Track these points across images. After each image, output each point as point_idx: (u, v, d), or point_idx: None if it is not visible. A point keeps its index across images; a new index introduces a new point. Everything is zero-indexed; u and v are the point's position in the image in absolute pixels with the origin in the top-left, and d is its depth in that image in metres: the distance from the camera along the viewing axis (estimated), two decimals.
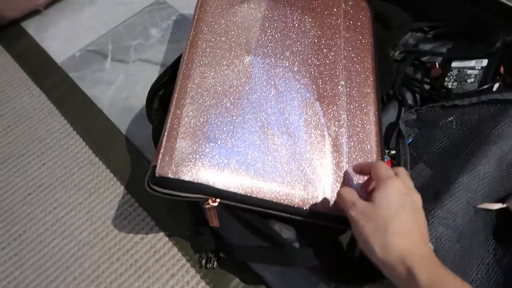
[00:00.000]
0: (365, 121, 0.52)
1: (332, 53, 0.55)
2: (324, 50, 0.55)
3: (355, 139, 0.50)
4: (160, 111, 0.54)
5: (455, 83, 0.59)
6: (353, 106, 0.52)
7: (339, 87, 0.53)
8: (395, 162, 0.53)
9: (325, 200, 0.44)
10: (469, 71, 0.59)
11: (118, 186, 0.58)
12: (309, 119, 0.49)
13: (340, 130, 0.50)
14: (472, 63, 0.60)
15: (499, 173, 0.47)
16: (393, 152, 0.55)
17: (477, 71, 0.58)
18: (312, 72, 0.53)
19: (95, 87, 0.69)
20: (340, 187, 0.42)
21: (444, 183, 0.46)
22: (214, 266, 0.51)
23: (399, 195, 0.37)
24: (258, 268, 0.52)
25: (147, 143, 0.61)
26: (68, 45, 0.74)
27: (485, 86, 0.55)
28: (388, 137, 0.57)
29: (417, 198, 0.38)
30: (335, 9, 0.60)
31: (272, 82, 0.50)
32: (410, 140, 0.56)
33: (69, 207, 0.56)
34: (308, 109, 0.49)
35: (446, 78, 0.60)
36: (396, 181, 0.38)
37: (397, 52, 0.65)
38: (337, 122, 0.50)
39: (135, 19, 0.77)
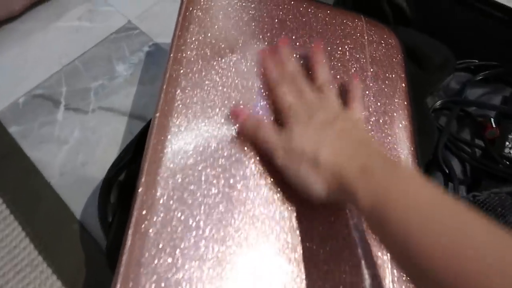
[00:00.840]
0: None
1: None
2: None
3: None
4: (119, 210, 0.38)
5: None
6: None
7: None
8: None
9: None
10: None
11: None
12: (329, 222, 0.34)
13: None
14: None
15: None
16: None
17: None
18: None
19: (41, 148, 0.52)
20: (260, 124, 0.34)
21: None
22: None
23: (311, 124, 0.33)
24: None
25: None
26: (10, 88, 0.57)
27: None
28: None
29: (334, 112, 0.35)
30: (359, 53, 0.44)
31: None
32: None
33: None
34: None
35: (507, 143, 0.45)
36: (297, 116, 0.34)
37: (438, 102, 0.50)
38: None
39: (96, 51, 0.60)
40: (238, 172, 0.33)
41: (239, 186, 0.33)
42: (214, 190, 0.31)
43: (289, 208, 0.33)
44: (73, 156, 0.52)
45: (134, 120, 0.54)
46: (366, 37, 0.45)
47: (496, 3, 0.47)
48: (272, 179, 0.34)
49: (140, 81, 0.58)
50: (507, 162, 0.44)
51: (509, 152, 0.45)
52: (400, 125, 0.42)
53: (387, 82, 0.44)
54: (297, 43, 0.42)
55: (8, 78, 0.58)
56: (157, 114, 0.35)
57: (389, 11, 0.56)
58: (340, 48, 0.43)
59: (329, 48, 0.43)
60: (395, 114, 0.43)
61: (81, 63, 0.59)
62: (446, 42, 0.50)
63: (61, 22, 0.63)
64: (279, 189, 0.33)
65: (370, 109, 0.41)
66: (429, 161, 0.47)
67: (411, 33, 0.53)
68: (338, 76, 0.41)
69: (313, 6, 0.45)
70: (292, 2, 0.44)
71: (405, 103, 0.44)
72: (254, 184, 0.33)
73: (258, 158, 0.34)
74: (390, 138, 0.41)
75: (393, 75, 0.45)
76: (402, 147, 0.41)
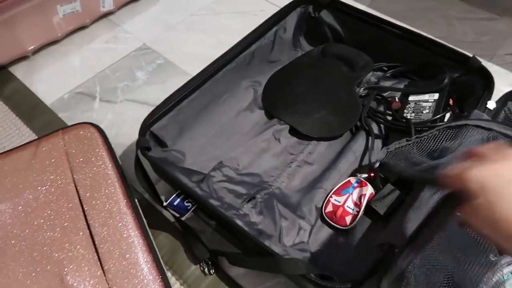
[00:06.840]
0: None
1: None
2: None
3: None
4: None
5: (413, 114, 0.68)
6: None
7: None
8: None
9: None
10: (424, 104, 0.68)
11: None
12: None
13: None
14: (426, 96, 0.69)
15: None
16: (364, 175, 0.62)
17: (431, 103, 0.67)
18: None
19: None
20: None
21: None
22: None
23: None
24: None
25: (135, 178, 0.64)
26: (57, 88, 0.78)
27: (438, 116, 0.64)
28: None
29: None
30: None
31: None
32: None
33: None
34: None
35: (405, 110, 0.69)
36: None
37: (362, 89, 0.74)
38: None
39: (121, 63, 0.82)
40: None
41: None
42: None
43: None
44: (108, 131, 0.72)
45: (150, 107, 0.75)
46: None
47: (392, 23, 0.73)
48: None
49: (154, 82, 0.80)
50: (404, 120, 0.67)
51: (406, 115, 0.68)
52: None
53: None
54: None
55: (54, 82, 0.79)
56: None
57: (329, 34, 0.81)
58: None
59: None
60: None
61: (110, 71, 0.81)
62: (366, 52, 0.75)
63: (92, 45, 0.86)
64: None
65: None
66: (357, 125, 0.70)
67: (344, 47, 0.79)
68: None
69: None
70: None
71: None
72: None
73: None
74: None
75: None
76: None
